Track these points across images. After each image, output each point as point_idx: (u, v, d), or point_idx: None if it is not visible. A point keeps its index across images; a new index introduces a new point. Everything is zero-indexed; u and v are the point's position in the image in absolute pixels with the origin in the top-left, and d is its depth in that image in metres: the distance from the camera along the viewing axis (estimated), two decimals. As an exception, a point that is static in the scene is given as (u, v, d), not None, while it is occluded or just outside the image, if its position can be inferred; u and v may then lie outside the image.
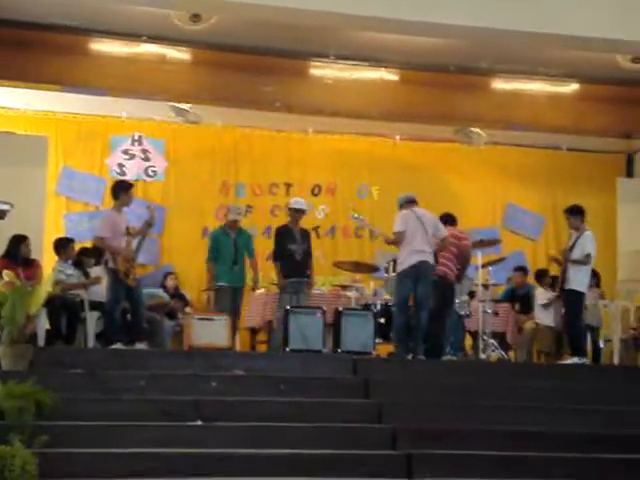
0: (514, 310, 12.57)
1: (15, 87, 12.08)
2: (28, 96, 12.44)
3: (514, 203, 14.68)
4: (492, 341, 11.49)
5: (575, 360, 10.24)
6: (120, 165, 13.37)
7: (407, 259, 10.09)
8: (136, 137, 13.49)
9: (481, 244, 11.62)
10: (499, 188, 14.64)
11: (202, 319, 10.42)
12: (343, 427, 7.64)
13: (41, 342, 9.46)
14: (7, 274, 8.84)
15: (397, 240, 10.24)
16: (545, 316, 12.11)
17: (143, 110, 13.12)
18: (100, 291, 10.40)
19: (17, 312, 8.05)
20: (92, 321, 10.39)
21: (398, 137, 14.22)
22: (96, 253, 10.77)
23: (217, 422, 7.51)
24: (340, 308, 10.91)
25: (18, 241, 10.35)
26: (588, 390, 8.90)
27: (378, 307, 11.13)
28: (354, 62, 12.46)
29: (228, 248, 11.33)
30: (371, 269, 12.35)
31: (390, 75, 12.65)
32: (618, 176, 14.53)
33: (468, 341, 12.14)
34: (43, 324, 9.60)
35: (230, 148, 13.82)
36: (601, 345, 12.17)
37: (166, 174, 13.58)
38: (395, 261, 10.56)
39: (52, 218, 12.73)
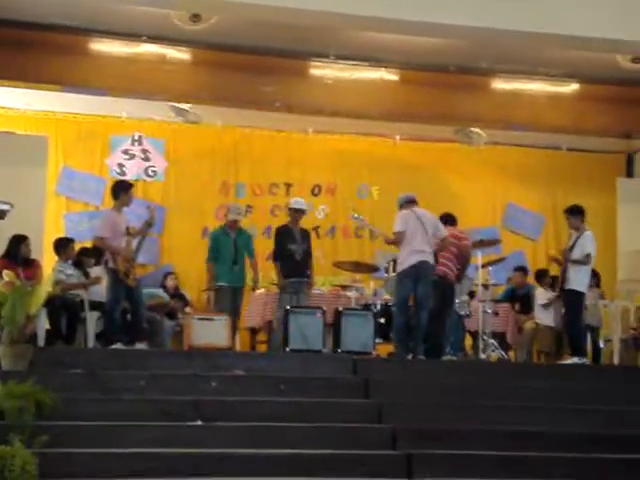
0: (514, 310, 12.57)
1: (15, 87, 12.08)
2: (28, 96, 12.44)
3: (514, 203, 14.68)
4: (492, 341, 11.48)
5: (575, 360, 10.24)
6: (120, 165, 13.37)
7: (407, 259, 10.09)
8: (136, 137, 13.48)
9: (481, 244, 11.62)
10: (499, 188, 14.64)
11: (202, 319, 10.42)
12: (343, 427, 7.64)
13: (41, 342, 9.46)
14: (7, 274, 8.84)
15: (397, 240, 10.24)
16: (545, 316, 12.10)
17: (143, 110, 13.12)
18: (100, 291, 10.40)
19: (17, 312, 8.05)
20: (92, 321, 10.39)
21: (398, 137, 14.22)
22: (96, 253, 10.77)
23: (217, 422, 7.51)
24: (340, 308, 10.90)
25: (18, 241, 10.35)
26: (588, 390, 8.90)
27: (378, 307, 11.13)
28: (354, 62, 12.46)
29: (228, 248, 11.32)
30: (371, 269, 12.35)
31: (390, 75, 12.65)
32: (618, 176, 14.53)
33: (468, 341, 12.13)
34: (43, 324, 9.60)
35: (230, 148, 13.82)
36: (601, 345, 12.17)
37: (166, 174, 13.57)
38: (395, 261, 10.56)
39: (52, 218, 12.73)
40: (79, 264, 10.91)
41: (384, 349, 11.14)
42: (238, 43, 11.82)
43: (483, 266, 11.55)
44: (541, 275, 12.60)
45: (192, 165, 13.63)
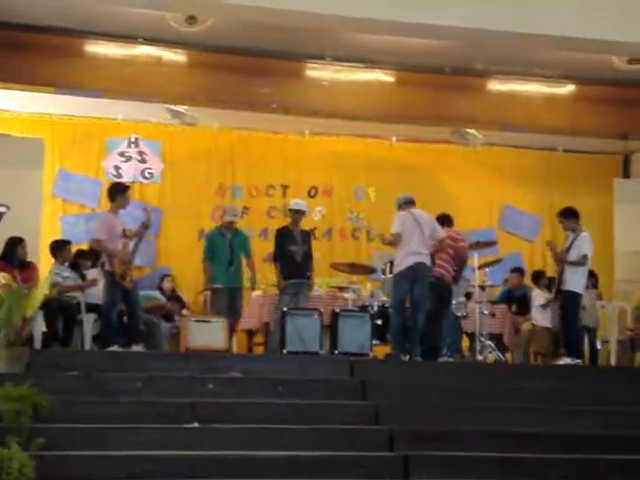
0: (511, 311, 12.57)
1: (10, 89, 12.06)
2: (24, 98, 12.42)
3: (511, 204, 14.68)
4: (489, 342, 11.47)
5: (567, 361, 10.20)
6: (116, 167, 13.35)
7: (404, 260, 10.09)
8: (132, 139, 13.48)
9: (478, 245, 11.62)
10: (495, 189, 14.64)
11: (199, 321, 10.44)
12: (340, 429, 7.64)
13: (37, 344, 9.45)
14: (3, 277, 8.86)
15: (394, 241, 10.24)
16: (542, 317, 12.09)
17: (139, 112, 13.11)
18: (97, 293, 10.40)
19: (13, 314, 8.05)
20: (89, 323, 10.39)
21: (394, 138, 14.22)
22: (92, 255, 10.75)
23: (214, 424, 7.50)
24: (337, 310, 10.90)
25: (14, 243, 10.35)
26: (585, 391, 8.90)
27: (375, 308, 11.12)
28: (350, 64, 12.47)
29: (224, 249, 11.33)
30: (368, 270, 12.36)
31: (386, 77, 12.66)
32: (615, 177, 14.55)
33: (465, 342, 12.12)
34: (39, 326, 9.57)
35: (226, 150, 13.81)
36: (598, 346, 12.17)
37: (162, 176, 13.56)
38: (392, 262, 10.55)
39: (48, 220, 12.72)
40: (75, 266, 10.90)
41: (381, 350, 11.13)
42: (234, 45, 11.82)
43: (480, 267, 11.55)
44: (538, 276, 12.60)
45: (188, 167, 13.62)
